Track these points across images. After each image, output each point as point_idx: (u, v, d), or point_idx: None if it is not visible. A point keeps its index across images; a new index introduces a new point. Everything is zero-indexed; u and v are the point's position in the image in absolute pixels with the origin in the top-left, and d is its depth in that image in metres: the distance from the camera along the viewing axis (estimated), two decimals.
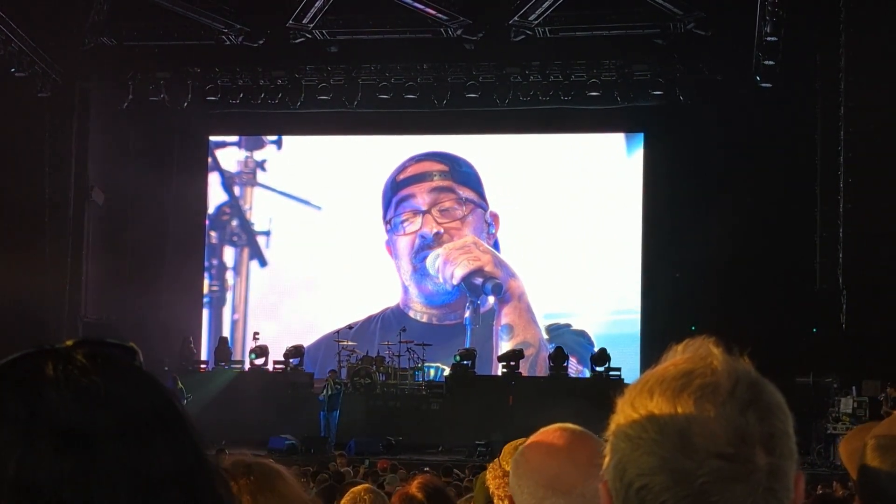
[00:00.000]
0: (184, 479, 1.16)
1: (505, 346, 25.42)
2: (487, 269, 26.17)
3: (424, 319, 26.52)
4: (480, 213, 26.70)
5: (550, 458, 2.27)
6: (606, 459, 1.36)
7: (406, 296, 26.81)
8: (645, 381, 1.35)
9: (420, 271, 26.62)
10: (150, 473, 1.14)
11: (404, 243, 26.84)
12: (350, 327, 25.85)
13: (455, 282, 26.16)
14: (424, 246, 26.56)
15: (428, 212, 26.74)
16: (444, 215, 26.73)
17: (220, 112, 26.29)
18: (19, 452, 1.11)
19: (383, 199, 27.15)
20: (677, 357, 1.37)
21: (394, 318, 26.32)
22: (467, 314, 26.14)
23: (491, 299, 26.14)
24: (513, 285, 26.07)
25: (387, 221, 27.00)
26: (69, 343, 1.20)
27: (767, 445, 1.29)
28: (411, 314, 26.58)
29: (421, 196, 26.91)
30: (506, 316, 26.03)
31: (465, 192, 26.81)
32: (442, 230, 26.55)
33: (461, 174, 26.92)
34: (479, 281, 26.08)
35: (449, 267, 26.21)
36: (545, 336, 25.79)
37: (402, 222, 26.88)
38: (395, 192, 27.05)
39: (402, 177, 27.09)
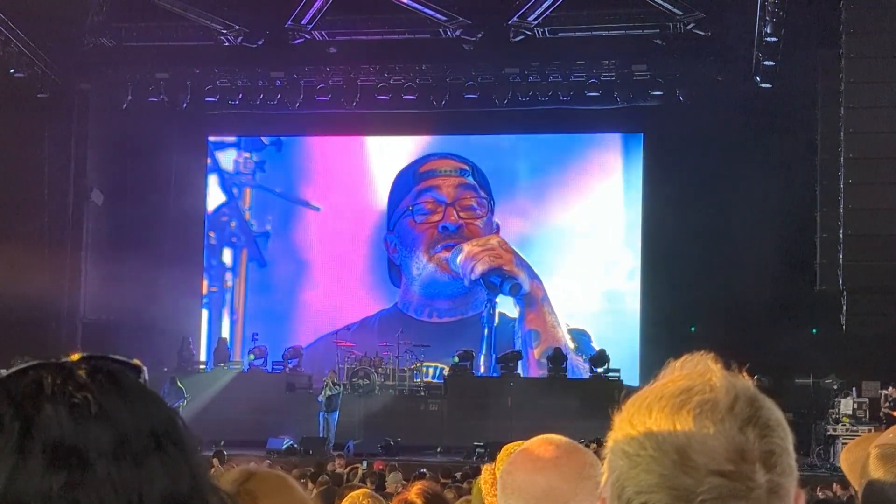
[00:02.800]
0: (178, 502, 1.14)
1: (534, 353, 25.32)
2: (507, 268, 26.12)
3: (426, 317, 26.47)
4: (492, 218, 26.76)
5: (537, 474, 2.18)
6: (604, 476, 1.35)
7: (409, 292, 26.73)
8: (643, 397, 1.34)
9: (437, 263, 26.52)
10: (142, 494, 1.12)
11: (421, 233, 26.75)
12: (348, 328, 25.85)
13: (474, 277, 26.09)
14: (446, 236, 26.48)
15: (451, 205, 26.70)
16: (465, 211, 26.70)
17: (220, 113, 26.29)
18: (10, 465, 1.09)
19: (399, 190, 26.96)
20: (675, 373, 1.36)
21: (392, 319, 26.29)
22: (484, 313, 26.10)
23: (512, 301, 26.05)
24: (534, 287, 26.00)
25: (404, 210, 26.82)
26: (74, 357, 1.19)
27: (767, 463, 1.28)
28: (411, 313, 26.52)
29: (445, 189, 26.87)
30: (531, 322, 25.92)
31: (484, 195, 26.83)
32: (463, 224, 26.50)
33: (481, 177, 26.89)
34: (497, 279, 26.03)
35: (469, 262, 26.15)
36: (569, 339, 25.72)
37: (424, 212, 26.80)
38: (418, 182, 26.96)
39: (424, 168, 27.05)
